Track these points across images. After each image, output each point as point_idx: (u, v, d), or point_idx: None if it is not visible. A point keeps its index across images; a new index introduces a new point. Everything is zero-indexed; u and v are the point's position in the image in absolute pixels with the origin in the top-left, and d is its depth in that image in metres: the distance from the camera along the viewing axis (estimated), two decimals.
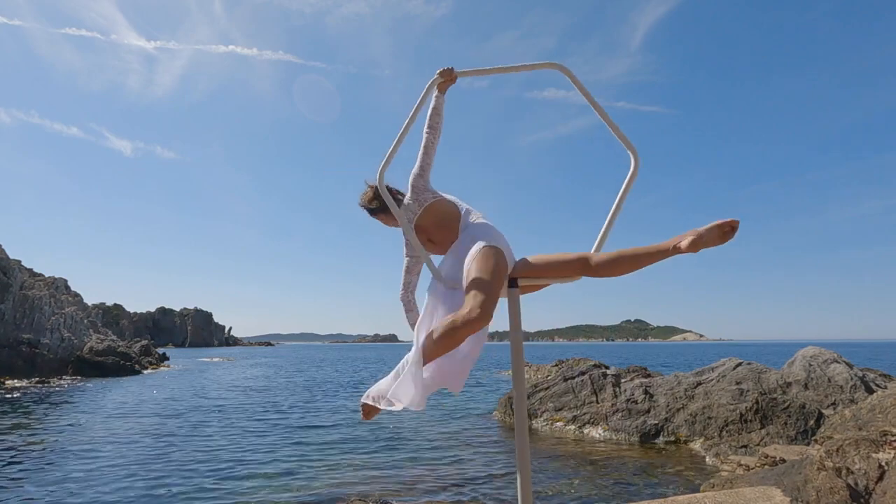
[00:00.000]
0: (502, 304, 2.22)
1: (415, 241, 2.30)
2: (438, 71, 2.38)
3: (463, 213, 2.38)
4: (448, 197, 2.43)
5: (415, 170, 2.40)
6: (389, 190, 2.42)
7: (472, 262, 2.11)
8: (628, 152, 2.28)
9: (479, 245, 2.17)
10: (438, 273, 2.29)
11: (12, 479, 7.72)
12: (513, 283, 2.20)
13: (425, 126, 2.40)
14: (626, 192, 2.27)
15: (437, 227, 2.39)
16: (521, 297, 2.29)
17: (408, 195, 2.38)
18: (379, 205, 2.45)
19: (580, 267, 2.14)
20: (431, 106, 2.41)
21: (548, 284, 2.29)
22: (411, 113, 2.32)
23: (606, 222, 2.27)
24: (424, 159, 2.39)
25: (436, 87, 2.39)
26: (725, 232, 1.91)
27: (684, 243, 1.94)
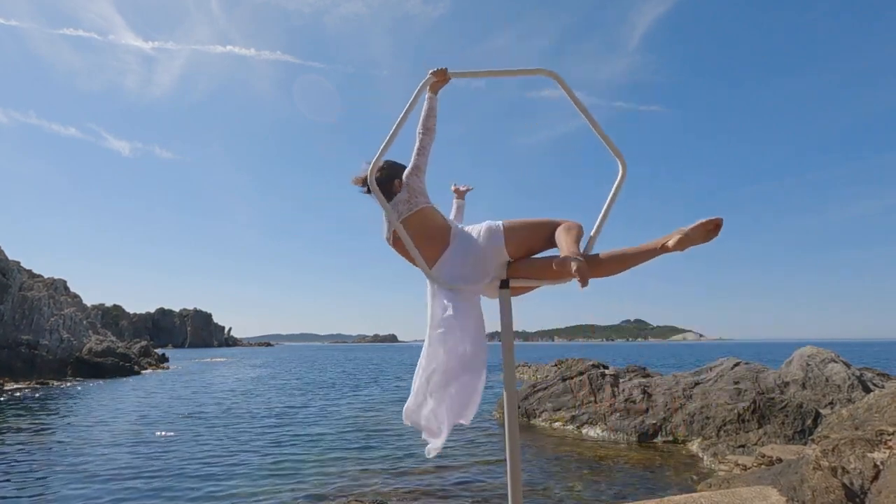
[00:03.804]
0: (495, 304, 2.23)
1: (404, 236, 2.24)
2: (431, 71, 2.32)
3: (453, 226, 2.34)
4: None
5: (409, 169, 2.32)
6: (394, 164, 2.39)
7: (500, 231, 2.26)
8: (616, 160, 2.28)
9: (488, 224, 2.30)
10: (429, 271, 2.24)
11: (10, 480, 7.72)
12: (504, 284, 2.21)
13: (419, 127, 2.33)
14: (614, 198, 2.29)
15: (420, 235, 2.27)
16: (515, 297, 2.29)
17: (402, 192, 2.29)
18: (373, 185, 2.31)
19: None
20: (425, 107, 2.34)
21: (539, 286, 2.29)
22: (402, 112, 2.26)
23: (595, 227, 2.27)
24: (420, 160, 2.32)
25: (428, 87, 2.33)
26: (710, 230, 1.98)
27: (671, 242, 2.02)
